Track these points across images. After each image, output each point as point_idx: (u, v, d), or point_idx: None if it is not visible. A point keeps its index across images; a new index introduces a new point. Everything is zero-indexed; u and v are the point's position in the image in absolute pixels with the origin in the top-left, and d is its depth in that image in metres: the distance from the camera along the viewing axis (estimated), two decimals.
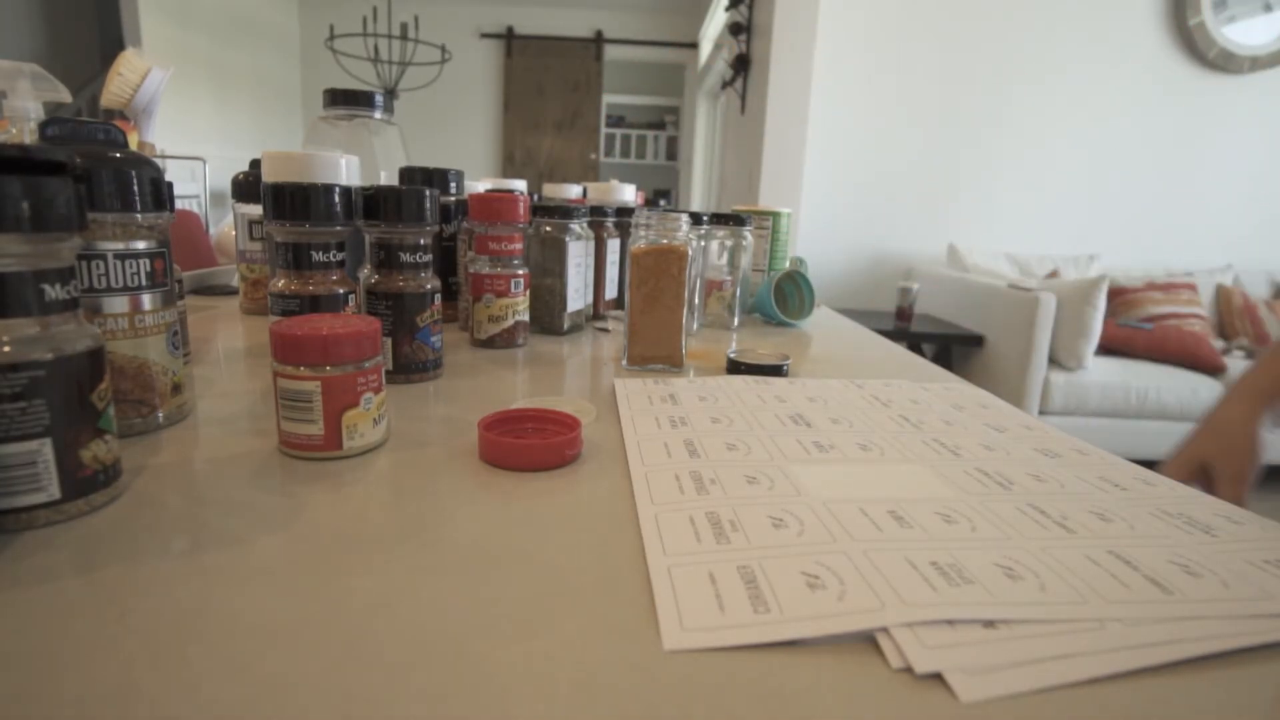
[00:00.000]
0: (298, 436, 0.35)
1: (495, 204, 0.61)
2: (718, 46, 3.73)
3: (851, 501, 0.32)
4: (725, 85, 3.26)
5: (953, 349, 2.37)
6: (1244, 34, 2.53)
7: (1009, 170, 2.66)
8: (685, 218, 0.56)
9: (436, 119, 4.68)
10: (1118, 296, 2.38)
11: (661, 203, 3.94)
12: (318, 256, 0.46)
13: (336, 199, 0.46)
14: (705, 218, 0.80)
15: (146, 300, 0.37)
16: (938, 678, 0.20)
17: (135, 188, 0.36)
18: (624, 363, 0.58)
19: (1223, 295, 2.51)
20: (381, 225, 0.50)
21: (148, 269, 0.37)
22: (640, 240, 0.56)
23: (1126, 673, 0.21)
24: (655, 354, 0.57)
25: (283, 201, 0.45)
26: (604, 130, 5.02)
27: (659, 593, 0.24)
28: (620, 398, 0.48)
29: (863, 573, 0.25)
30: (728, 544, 0.27)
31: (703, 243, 0.76)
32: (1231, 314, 2.46)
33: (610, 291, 0.84)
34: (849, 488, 0.33)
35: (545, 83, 4.79)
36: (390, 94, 3.72)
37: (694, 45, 4.64)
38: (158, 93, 1.25)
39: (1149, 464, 0.41)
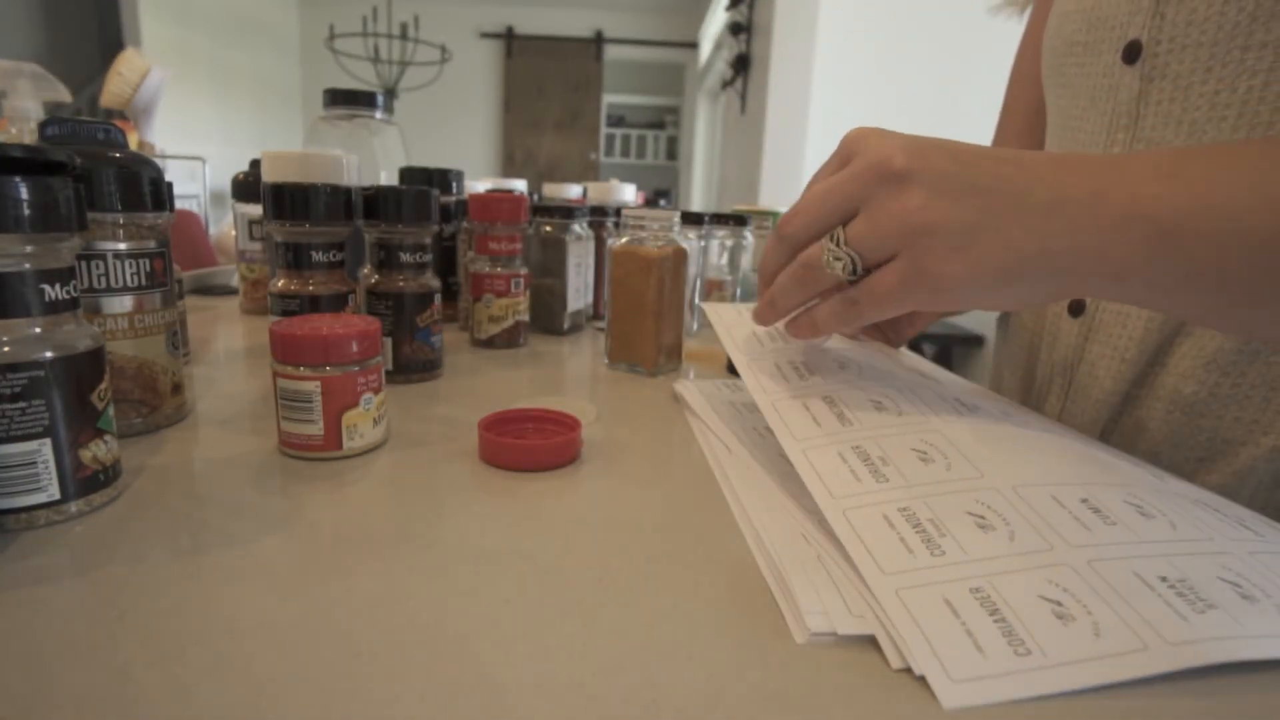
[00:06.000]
0: (298, 437, 0.35)
1: (495, 204, 0.61)
2: (718, 46, 3.73)
3: (1038, 485, 0.27)
4: (725, 85, 3.27)
5: (953, 349, 2.37)
6: None
7: None
8: (674, 220, 0.54)
9: (436, 119, 4.68)
10: None
11: (661, 202, 3.94)
12: (318, 256, 0.46)
13: (337, 199, 0.47)
14: (706, 218, 0.80)
15: (146, 300, 0.37)
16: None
17: (135, 188, 0.36)
18: (604, 359, 0.58)
19: None
20: (381, 225, 0.50)
21: (148, 269, 0.37)
22: (621, 239, 0.55)
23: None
24: (625, 355, 0.57)
25: (283, 201, 0.45)
26: (604, 130, 5.02)
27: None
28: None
29: (1102, 596, 0.22)
30: (942, 555, 0.24)
31: (703, 242, 0.76)
32: None
33: None
34: (1017, 465, 0.29)
35: (545, 83, 4.79)
36: (390, 94, 3.72)
37: (694, 45, 4.64)
38: (158, 93, 1.25)
39: None
